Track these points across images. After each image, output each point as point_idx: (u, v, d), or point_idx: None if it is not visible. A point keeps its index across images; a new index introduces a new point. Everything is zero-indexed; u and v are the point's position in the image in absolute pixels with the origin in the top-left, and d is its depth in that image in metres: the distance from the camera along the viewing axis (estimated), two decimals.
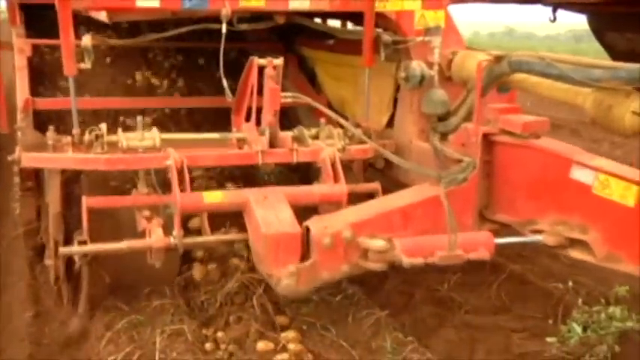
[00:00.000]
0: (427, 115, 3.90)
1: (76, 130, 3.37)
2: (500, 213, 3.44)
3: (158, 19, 3.90)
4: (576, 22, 7.36)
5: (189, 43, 5.33)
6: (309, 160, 3.49)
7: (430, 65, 3.79)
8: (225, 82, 3.56)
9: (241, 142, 3.61)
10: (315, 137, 3.69)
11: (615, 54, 6.58)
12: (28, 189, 3.70)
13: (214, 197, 3.11)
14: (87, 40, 3.32)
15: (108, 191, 3.74)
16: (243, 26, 3.72)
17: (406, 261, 2.92)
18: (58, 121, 4.28)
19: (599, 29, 6.76)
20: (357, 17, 4.20)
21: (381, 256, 3.00)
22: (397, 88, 4.16)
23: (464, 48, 3.94)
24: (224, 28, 3.53)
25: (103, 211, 3.33)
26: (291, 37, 5.46)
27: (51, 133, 3.55)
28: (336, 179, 3.31)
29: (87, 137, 3.36)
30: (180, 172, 3.11)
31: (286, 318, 3.57)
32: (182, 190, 3.08)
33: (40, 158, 3.38)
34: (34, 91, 4.38)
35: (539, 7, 6.31)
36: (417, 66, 3.74)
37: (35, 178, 3.77)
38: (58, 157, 3.34)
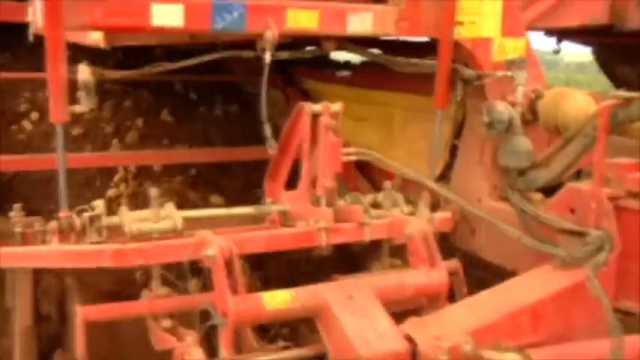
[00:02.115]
0: (504, 168, 3.08)
1: (64, 211, 2.33)
2: (628, 300, 2.64)
3: (163, 44, 2.91)
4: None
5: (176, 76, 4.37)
6: (386, 237, 2.58)
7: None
8: (268, 130, 2.62)
9: (283, 216, 2.68)
10: (375, 205, 2.79)
11: (627, 90, 6.01)
12: None
13: (280, 300, 2.14)
14: (85, 72, 2.30)
15: (102, 295, 2.72)
16: (284, 54, 2.78)
17: None
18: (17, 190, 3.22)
19: (607, 62, 6.18)
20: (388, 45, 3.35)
21: None
22: (455, 133, 3.34)
23: (545, 85, 3.15)
24: (268, 56, 2.60)
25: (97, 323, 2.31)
26: (292, 67, 4.55)
27: (17, 214, 2.53)
28: (431, 262, 2.41)
29: (77, 220, 2.34)
30: (228, 266, 2.13)
31: None
32: (234, 291, 2.10)
33: (13, 255, 2.34)
34: None
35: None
36: (504, 109, 2.90)
37: None
38: (41, 251, 2.31)
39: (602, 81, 7.94)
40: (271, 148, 2.67)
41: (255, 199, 3.12)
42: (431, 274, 2.38)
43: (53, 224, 2.37)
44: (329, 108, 2.55)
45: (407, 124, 3.63)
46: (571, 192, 2.70)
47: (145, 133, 4.22)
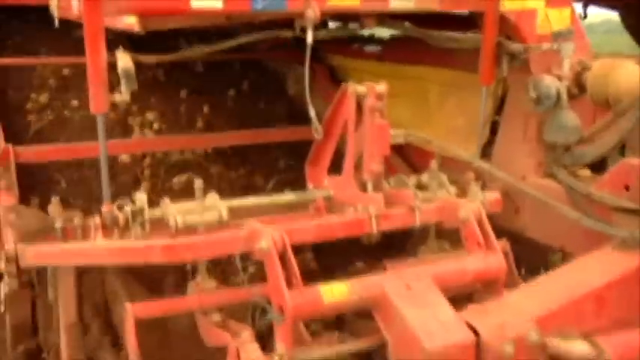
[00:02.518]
0: (549, 144, 2.97)
1: (107, 205, 2.25)
2: None
3: (197, 26, 2.79)
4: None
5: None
6: (437, 221, 2.49)
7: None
8: (312, 112, 2.52)
9: (328, 202, 2.58)
10: (420, 187, 2.68)
11: None
12: (23, 284, 2.53)
13: (338, 293, 2.05)
14: (124, 58, 2.20)
15: (144, 288, 2.64)
16: (321, 34, 2.67)
17: None
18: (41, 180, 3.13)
19: (634, 25, 6.03)
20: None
21: None
22: (496, 109, 3.22)
23: (591, 56, 3.02)
24: (310, 36, 2.49)
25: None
26: (318, 43, 4.40)
27: (55, 208, 2.45)
28: (488, 246, 2.32)
29: (120, 215, 2.25)
30: (283, 258, 2.04)
31: None
32: (290, 284, 2.02)
33: (58, 253, 2.26)
34: None
35: None
36: (551, 83, 2.79)
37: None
38: (87, 248, 2.23)
39: (615, 41, 7.76)
40: (317, 132, 2.57)
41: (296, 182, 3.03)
42: (488, 258, 2.29)
43: (96, 219, 2.29)
44: (374, 89, 2.44)
45: (444, 100, 3.52)
46: (626, 168, 2.58)
47: (165, 114, 4.11)
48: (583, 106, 2.95)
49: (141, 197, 2.33)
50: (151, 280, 2.79)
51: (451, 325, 2.02)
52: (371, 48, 4.26)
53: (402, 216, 2.41)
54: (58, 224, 2.50)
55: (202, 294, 2.28)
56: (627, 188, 2.58)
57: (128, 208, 2.29)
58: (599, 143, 2.87)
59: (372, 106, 2.42)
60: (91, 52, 2.13)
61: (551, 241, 2.97)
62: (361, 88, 2.45)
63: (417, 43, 3.67)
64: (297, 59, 4.45)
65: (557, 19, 2.93)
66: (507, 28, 2.87)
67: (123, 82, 2.20)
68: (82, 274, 2.58)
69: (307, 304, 2.01)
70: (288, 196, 2.60)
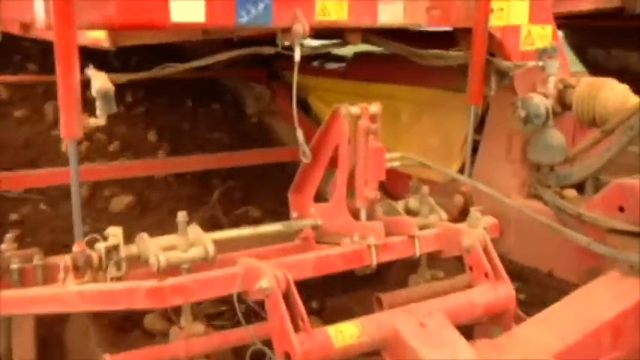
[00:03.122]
0: (533, 164, 2.88)
1: (80, 244, 1.99)
2: None
3: (172, 41, 2.56)
4: None
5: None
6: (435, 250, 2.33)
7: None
8: (300, 135, 2.33)
9: (316, 231, 2.39)
10: (409, 212, 2.53)
11: (599, 72, 5.96)
12: None
13: (348, 335, 1.85)
14: (101, 78, 1.94)
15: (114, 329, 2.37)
16: (306, 50, 2.48)
17: None
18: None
19: (579, 45, 6.10)
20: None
21: None
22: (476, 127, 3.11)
23: (569, 74, 2.96)
24: (298, 53, 2.30)
25: None
26: (275, 61, 4.22)
27: (10, 246, 2.22)
28: (496, 276, 2.17)
29: (93, 254, 2.00)
30: (286, 298, 1.84)
31: None
32: (296, 327, 1.81)
33: (22, 299, 2.00)
34: None
35: None
36: (540, 102, 2.69)
37: None
38: (58, 294, 1.95)
39: None
40: (305, 157, 2.37)
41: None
42: (498, 289, 2.15)
43: (66, 259, 2.01)
44: (367, 110, 2.27)
45: (417, 119, 3.39)
46: (620, 188, 2.50)
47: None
48: (562, 125, 2.88)
49: (115, 232, 2.08)
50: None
51: None
52: (332, 65, 4.12)
53: (402, 245, 2.25)
54: (15, 265, 2.22)
55: (190, 341, 2.04)
56: (622, 209, 2.50)
57: (101, 246, 2.03)
58: (587, 163, 2.80)
59: (366, 128, 2.25)
60: (62, 72, 1.86)
61: (538, 264, 2.87)
62: (354, 110, 2.27)
63: (385, 61, 3.54)
64: (255, 78, 4.27)
65: (540, 35, 2.85)
66: (492, 44, 2.76)
67: (99, 104, 1.94)
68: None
69: (317, 349, 1.81)
70: (274, 227, 2.39)
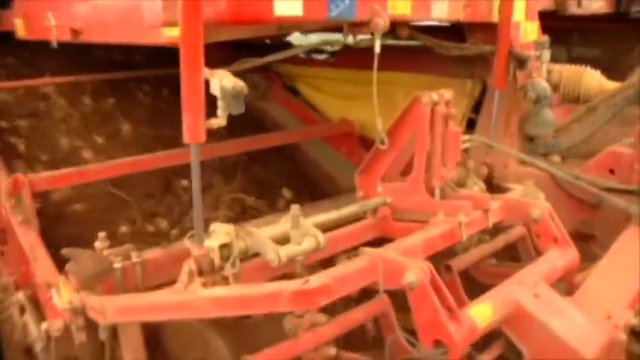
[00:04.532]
0: (526, 136, 2.55)
1: (202, 247, 1.40)
2: None
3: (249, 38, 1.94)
4: None
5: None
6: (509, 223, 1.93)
7: None
8: (379, 123, 1.83)
9: (387, 209, 1.91)
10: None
11: None
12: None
13: (485, 315, 1.42)
14: (229, 77, 1.34)
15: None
16: (363, 43, 1.95)
17: None
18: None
19: None
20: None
21: None
22: (471, 108, 2.73)
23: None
24: (377, 45, 1.77)
25: None
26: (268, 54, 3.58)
27: (104, 244, 1.58)
28: (564, 241, 1.81)
29: (215, 254, 1.42)
30: (434, 287, 1.37)
31: None
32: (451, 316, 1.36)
33: (148, 306, 1.40)
34: None
35: None
36: (546, 85, 2.34)
37: None
38: (186, 300, 1.36)
39: None
40: (383, 144, 1.88)
41: None
42: (567, 252, 1.79)
43: (191, 264, 1.42)
44: (444, 96, 1.80)
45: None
46: (613, 154, 2.23)
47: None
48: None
49: (226, 229, 1.51)
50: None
51: (590, 328, 1.50)
52: (319, 56, 3.55)
53: (479, 220, 1.82)
54: (117, 264, 1.61)
55: (316, 331, 1.53)
56: (612, 172, 2.24)
57: (215, 245, 1.46)
58: (573, 134, 2.50)
59: (445, 113, 1.78)
60: (187, 72, 1.25)
61: None
62: (434, 96, 1.80)
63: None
64: (250, 68, 3.62)
65: (531, 30, 2.48)
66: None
67: (226, 104, 1.34)
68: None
69: (467, 334, 1.37)
70: (351, 208, 1.88)
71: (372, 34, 1.75)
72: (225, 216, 2.75)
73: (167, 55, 1.60)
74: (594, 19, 3.16)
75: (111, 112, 3.08)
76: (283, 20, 1.55)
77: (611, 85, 2.40)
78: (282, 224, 1.60)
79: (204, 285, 1.41)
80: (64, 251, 1.63)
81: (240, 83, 1.33)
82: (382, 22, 1.71)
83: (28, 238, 2.00)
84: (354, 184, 3.22)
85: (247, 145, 2.90)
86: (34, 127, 2.75)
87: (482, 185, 2.11)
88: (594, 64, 2.63)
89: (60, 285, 1.61)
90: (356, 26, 1.79)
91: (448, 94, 1.81)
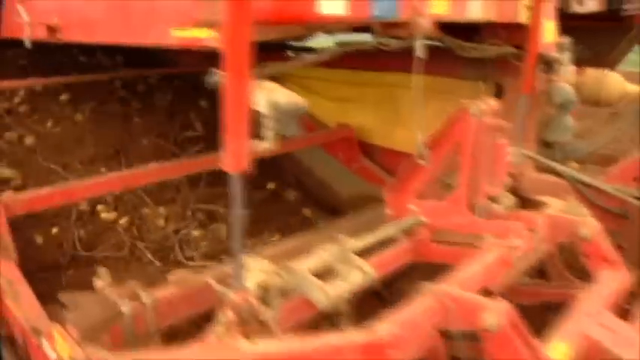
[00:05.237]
0: (543, 142, 2.43)
1: (242, 292, 1.17)
2: None
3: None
4: None
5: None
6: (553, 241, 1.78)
7: None
8: (420, 137, 1.64)
9: (424, 229, 1.73)
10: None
11: None
12: None
13: (564, 356, 1.26)
14: (285, 92, 1.12)
15: None
16: (394, 44, 1.76)
17: None
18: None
19: None
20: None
21: None
22: None
23: None
24: (419, 48, 1.59)
25: None
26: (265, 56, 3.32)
27: (105, 278, 1.34)
28: (616, 261, 1.69)
29: (254, 301, 1.20)
30: (517, 329, 1.20)
31: None
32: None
33: None
34: None
35: None
36: (571, 90, 2.22)
37: None
38: (236, 356, 1.12)
39: None
40: (424, 159, 1.69)
41: None
42: (619, 274, 1.67)
43: (228, 314, 1.19)
44: (490, 106, 1.64)
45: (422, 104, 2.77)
46: (637, 162, 2.15)
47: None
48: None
49: (262, 266, 1.29)
50: None
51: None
52: (307, 57, 3.32)
53: (527, 240, 1.67)
54: (126, 308, 1.36)
55: None
56: (635, 180, 2.16)
57: (259, 278, 1.24)
58: (594, 140, 2.41)
59: (493, 124, 1.62)
60: (232, 87, 1.02)
61: None
62: (482, 105, 1.63)
63: (379, 51, 2.86)
64: None
65: (550, 30, 2.35)
66: (521, 38, 2.21)
67: (273, 123, 1.11)
68: None
69: None
70: (387, 230, 1.69)
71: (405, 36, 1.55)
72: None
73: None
74: (582, 17, 3.08)
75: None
76: (326, 20, 1.33)
77: (635, 88, 2.31)
78: (319, 256, 1.39)
79: (246, 336, 1.18)
80: (62, 297, 1.37)
81: (297, 98, 1.11)
82: (424, 23, 1.52)
83: (4, 271, 1.70)
84: (352, 192, 3.08)
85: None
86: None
87: (512, 198, 1.97)
88: (577, 60, 2.54)
89: (54, 335, 1.35)
90: (392, 27, 1.59)
91: (494, 103, 1.65)
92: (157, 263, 2.34)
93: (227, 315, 1.19)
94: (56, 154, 2.63)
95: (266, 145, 1.13)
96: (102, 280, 1.42)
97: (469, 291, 1.31)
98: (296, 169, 3.16)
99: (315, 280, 1.29)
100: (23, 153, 2.56)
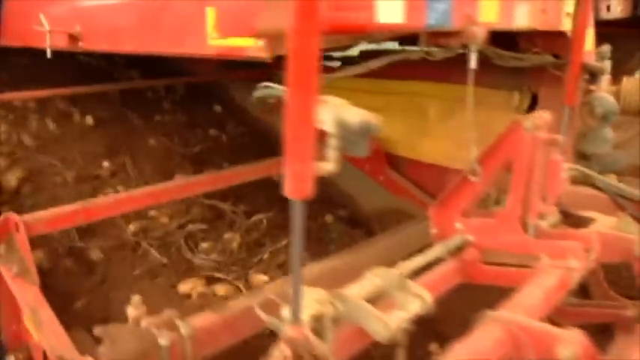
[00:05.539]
0: (580, 154, 2.35)
1: (298, 326, 1.07)
2: None
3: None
4: None
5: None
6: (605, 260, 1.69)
7: None
8: (474, 151, 1.56)
9: (473, 249, 1.64)
10: None
11: None
12: None
13: None
14: (345, 109, 1.03)
15: None
16: (439, 54, 1.67)
17: None
18: None
19: None
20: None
21: None
22: None
23: None
24: (473, 60, 1.50)
25: None
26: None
27: (138, 308, 1.24)
28: None
29: (310, 335, 1.10)
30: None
31: None
32: None
33: None
34: None
35: None
36: (613, 100, 2.13)
37: None
38: None
39: None
40: (475, 174, 1.60)
41: None
42: None
43: (285, 350, 1.10)
44: (544, 120, 1.55)
45: (450, 114, 2.69)
46: None
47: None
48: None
49: (316, 295, 1.20)
50: None
51: None
52: (330, 64, 3.25)
53: (583, 261, 1.58)
54: (164, 340, 1.27)
55: None
56: None
57: (306, 317, 1.14)
58: (632, 151, 2.32)
59: (548, 139, 1.54)
60: (296, 104, 0.94)
61: None
62: (535, 121, 1.54)
63: (405, 59, 2.78)
64: (258, 79, 3.28)
65: (590, 39, 2.27)
66: (562, 47, 2.13)
67: (341, 143, 1.03)
68: None
69: None
70: (435, 250, 1.60)
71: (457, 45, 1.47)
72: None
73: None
74: (605, 23, 3.01)
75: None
76: (383, 28, 1.25)
77: None
78: (371, 281, 1.30)
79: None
80: (97, 331, 1.28)
81: (368, 116, 1.02)
82: (479, 32, 1.44)
83: (27, 296, 1.62)
84: (377, 206, 2.99)
85: (253, 173, 2.54)
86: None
87: (558, 215, 1.88)
88: None
89: None
90: (442, 36, 1.50)
91: (547, 115, 1.56)
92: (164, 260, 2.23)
93: (283, 351, 1.09)
94: (56, 149, 2.55)
95: (330, 167, 1.04)
96: (135, 309, 1.34)
97: (533, 318, 1.23)
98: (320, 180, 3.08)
99: (372, 309, 1.20)
100: (22, 150, 2.48)
